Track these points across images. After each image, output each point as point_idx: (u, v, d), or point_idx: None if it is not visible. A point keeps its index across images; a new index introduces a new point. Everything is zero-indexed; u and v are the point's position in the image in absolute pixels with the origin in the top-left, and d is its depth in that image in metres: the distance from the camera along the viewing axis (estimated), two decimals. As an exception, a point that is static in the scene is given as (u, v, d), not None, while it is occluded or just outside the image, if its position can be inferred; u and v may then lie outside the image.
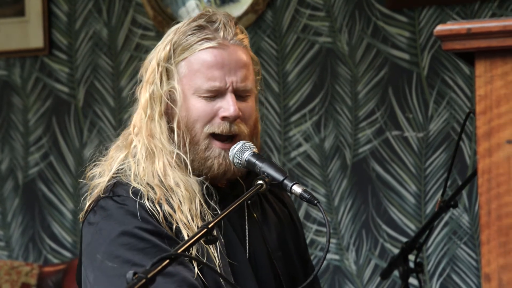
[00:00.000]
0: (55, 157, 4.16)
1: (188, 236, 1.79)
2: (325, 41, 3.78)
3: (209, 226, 1.63)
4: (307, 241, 3.78)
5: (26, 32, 4.19)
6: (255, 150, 1.87)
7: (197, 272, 1.78)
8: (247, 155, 1.85)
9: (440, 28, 1.43)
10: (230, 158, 1.87)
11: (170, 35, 1.93)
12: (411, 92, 3.67)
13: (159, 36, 4.04)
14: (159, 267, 1.50)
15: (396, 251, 3.60)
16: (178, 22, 1.98)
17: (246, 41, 1.95)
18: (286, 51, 3.84)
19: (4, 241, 4.22)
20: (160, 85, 1.90)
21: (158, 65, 1.91)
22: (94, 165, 1.96)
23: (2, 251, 4.21)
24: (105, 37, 4.10)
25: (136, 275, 1.46)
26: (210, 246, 1.81)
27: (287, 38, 3.84)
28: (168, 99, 1.90)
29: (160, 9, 3.99)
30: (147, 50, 4.04)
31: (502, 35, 1.40)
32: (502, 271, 1.39)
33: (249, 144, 1.88)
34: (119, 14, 4.08)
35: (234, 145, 1.87)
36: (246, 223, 1.94)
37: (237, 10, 3.85)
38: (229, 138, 1.90)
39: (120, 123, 4.05)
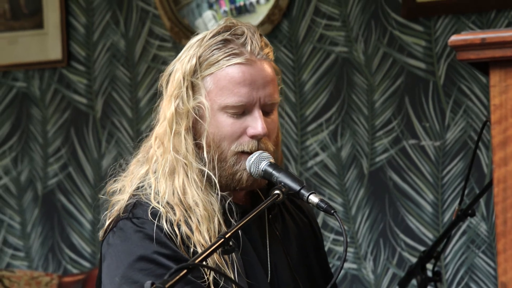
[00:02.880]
0: (73, 168, 4.19)
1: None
2: (341, 50, 3.79)
3: (226, 236, 1.63)
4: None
5: (45, 44, 4.22)
6: (272, 160, 1.85)
7: None
8: (264, 165, 1.84)
9: (454, 38, 1.44)
10: (247, 168, 1.85)
11: (193, 47, 1.88)
12: (428, 101, 3.67)
13: (176, 47, 4.06)
14: (177, 277, 1.51)
15: (414, 260, 3.59)
16: (197, 34, 1.92)
17: (272, 54, 1.91)
18: (302, 61, 3.85)
19: (24, 251, 4.25)
20: (187, 99, 1.86)
21: (184, 78, 1.86)
22: (115, 180, 1.92)
23: (22, 262, 4.24)
24: (122, 48, 4.13)
25: (154, 285, 1.47)
26: (228, 268, 1.79)
27: (303, 48, 3.85)
28: (196, 114, 1.86)
29: (177, 20, 4.01)
30: (164, 61, 4.06)
31: (516, 45, 1.40)
32: (518, 280, 1.39)
33: (266, 154, 1.86)
34: (136, 26, 4.11)
35: (251, 156, 1.85)
36: (267, 240, 1.92)
37: (253, 20, 3.86)
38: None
39: (138, 133, 4.07)
